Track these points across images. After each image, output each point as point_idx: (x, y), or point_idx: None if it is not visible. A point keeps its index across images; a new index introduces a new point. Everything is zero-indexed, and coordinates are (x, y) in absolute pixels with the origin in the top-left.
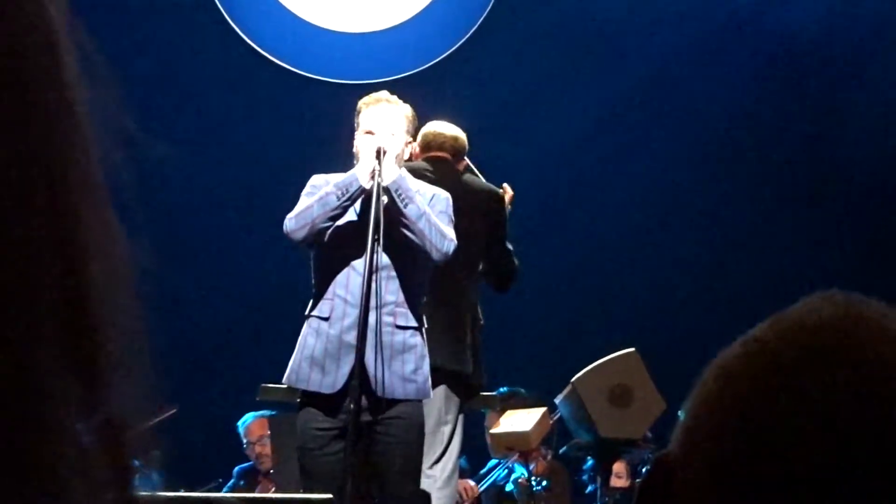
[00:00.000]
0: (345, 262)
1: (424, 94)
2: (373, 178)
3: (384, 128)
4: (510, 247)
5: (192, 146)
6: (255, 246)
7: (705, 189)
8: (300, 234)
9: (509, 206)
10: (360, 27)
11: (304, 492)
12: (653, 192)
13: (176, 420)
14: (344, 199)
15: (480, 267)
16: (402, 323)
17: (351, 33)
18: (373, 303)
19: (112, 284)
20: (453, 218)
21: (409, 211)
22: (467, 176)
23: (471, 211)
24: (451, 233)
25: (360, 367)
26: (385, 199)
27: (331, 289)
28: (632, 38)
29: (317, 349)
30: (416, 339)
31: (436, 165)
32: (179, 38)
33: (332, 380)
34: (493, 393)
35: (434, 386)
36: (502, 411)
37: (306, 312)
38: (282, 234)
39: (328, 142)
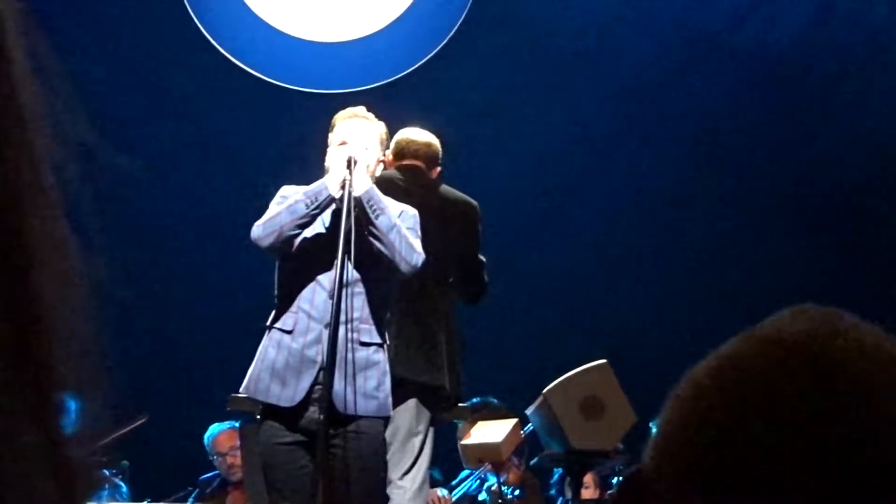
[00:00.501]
0: (310, 277)
1: (397, 104)
2: (343, 187)
3: (357, 140)
4: (483, 259)
5: (164, 156)
6: (227, 256)
7: (680, 202)
8: (267, 242)
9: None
10: (334, 37)
11: None
12: (627, 205)
13: (145, 429)
14: (312, 207)
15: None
16: (365, 339)
17: (324, 43)
18: (340, 318)
19: (62, 301)
20: (420, 234)
21: (380, 222)
22: (443, 186)
23: (446, 221)
24: (419, 247)
25: (328, 379)
26: (355, 210)
27: (295, 302)
28: (610, 49)
29: (278, 361)
30: (379, 356)
31: (408, 174)
32: (152, 45)
33: (292, 393)
34: (465, 404)
35: (404, 399)
36: (473, 422)
37: (267, 323)
38: (253, 245)
39: (300, 151)
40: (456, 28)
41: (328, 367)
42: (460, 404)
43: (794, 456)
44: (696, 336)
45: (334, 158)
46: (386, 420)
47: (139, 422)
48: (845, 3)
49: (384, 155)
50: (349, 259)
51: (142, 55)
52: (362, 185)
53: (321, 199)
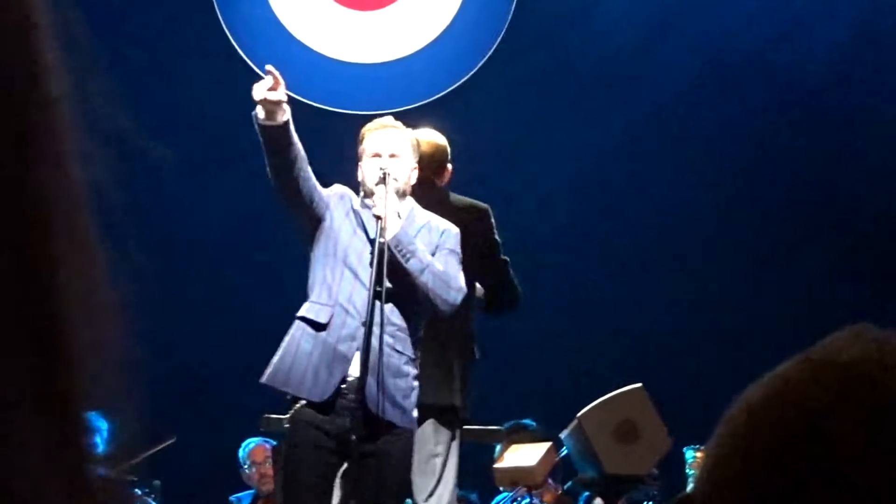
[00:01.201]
0: (351, 275)
1: (433, 125)
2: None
3: (390, 151)
4: (506, 258)
5: (196, 174)
6: (258, 273)
7: (715, 225)
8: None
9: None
10: (370, 58)
11: None
12: (663, 228)
13: (175, 448)
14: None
15: (477, 294)
16: (399, 348)
17: (360, 63)
18: (376, 319)
19: (89, 313)
20: (461, 254)
21: (411, 265)
22: (452, 196)
23: (462, 230)
24: (457, 281)
25: (363, 378)
26: (387, 230)
27: (332, 296)
28: (642, 73)
29: (312, 355)
30: (410, 369)
31: (417, 191)
32: (187, 62)
33: (322, 389)
34: (499, 427)
35: (421, 422)
36: (508, 445)
37: (299, 314)
38: (285, 263)
39: (339, 170)
40: (493, 49)
41: (363, 364)
42: (492, 427)
43: (850, 486)
44: (733, 361)
45: (368, 172)
46: (411, 433)
47: (168, 442)
48: (878, 27)
49: (415, 164)
50: (384, 278)
51: (178, 71)
52: (391, 228)
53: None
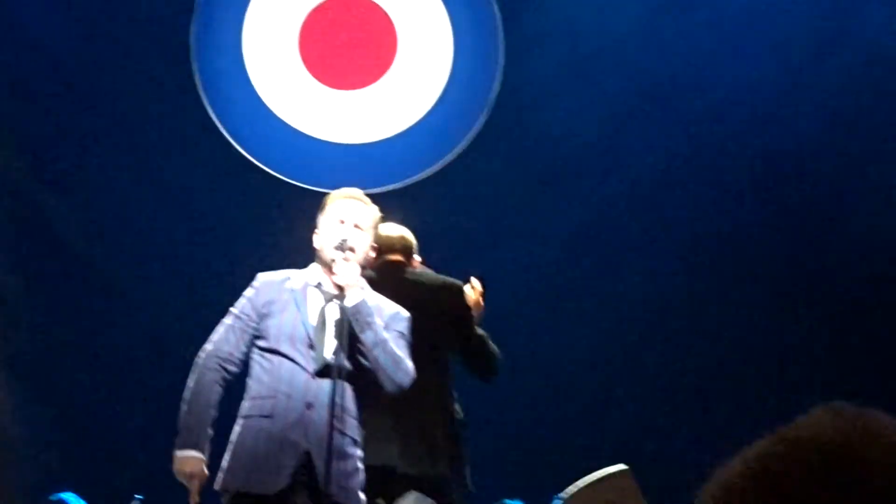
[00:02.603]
0: (290, 360)
1: (415, 205)
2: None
3: (354, 221)
4: (482, 332)
5: (176, 245)
6: None
7: (697, 303)
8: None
9: (481, 304)
10: (352, 138)
11: None
12: (645, 305)
13: None
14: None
15: (450, 363)
16: (341, 428)
17: (342, 144)
18: (324, 400)
19: None
20: (411, 339)
21: (366, 337)
22: (421, 272)
23: (431, 309)
24: (407, 364)
25: (307, 460)
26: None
27: (272, 386)
28: (617, 153)
29: (258, 448)
30: (354, 451)
31: (390, 270)
32: (167, 140)
33: (275, 479)
34: None
35: (404, 491)
36: None
37: (241, 413)
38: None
39: (306, 247)
40: (474, 132)
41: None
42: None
43: None
44: (719, 441)
45: (328, 238)
46: None
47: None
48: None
49: (373, 241)
50: (343, 348)
51: (153, 145)
52: (353, 296)
53: None
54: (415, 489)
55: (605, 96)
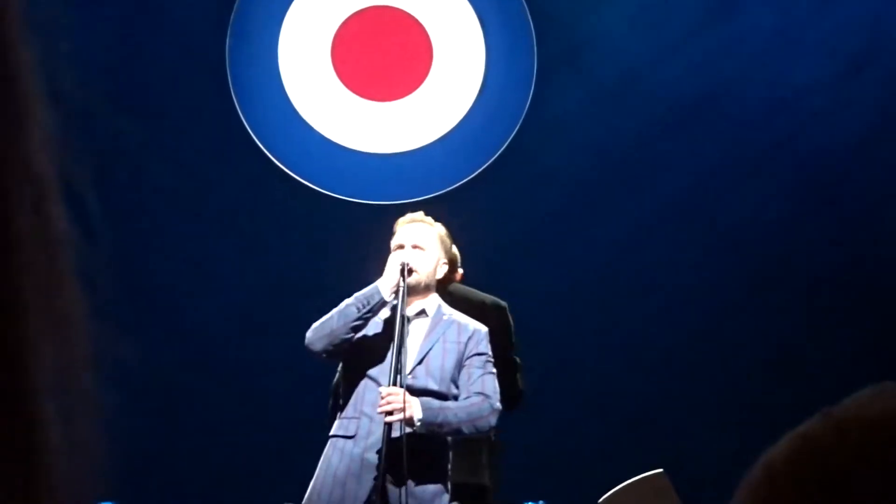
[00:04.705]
0: (374, 382)
1: (453, 215)
2: (396, 293)
3: (413, 242)
4: (517, 360)
5: (218, 262)
6: (282, 365)
7: (736, 310)
8: (319, 346)
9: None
10: (387, 148)
11: None
12: (684, 316)
13: None
14: (364, 310)
15: None
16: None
17: (378, 154)
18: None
19: (66, 409)
20: (491, 356)
21: (447, 432)
22: (466, 288)
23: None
24: (492, 407)
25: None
26: (409, 315)
27: (356, 407)
28: (657, 164)
29: (339, 469)
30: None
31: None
32: (206, 157)
33: (352, 500)
34: None
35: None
36: None
37: (330, 433)
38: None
39: (348, 259)
40: (510, 140)
41: (385, 458)
42: None
43: None
44: (755, 446)
45: (390, 264)
46: None
47: None
48: None
49: (444, 258)
50: (401, 368)
51: (190, 160)
52: (416, 414)
53: (373, 302)
54: (455, 499)
55: (644, 103)
